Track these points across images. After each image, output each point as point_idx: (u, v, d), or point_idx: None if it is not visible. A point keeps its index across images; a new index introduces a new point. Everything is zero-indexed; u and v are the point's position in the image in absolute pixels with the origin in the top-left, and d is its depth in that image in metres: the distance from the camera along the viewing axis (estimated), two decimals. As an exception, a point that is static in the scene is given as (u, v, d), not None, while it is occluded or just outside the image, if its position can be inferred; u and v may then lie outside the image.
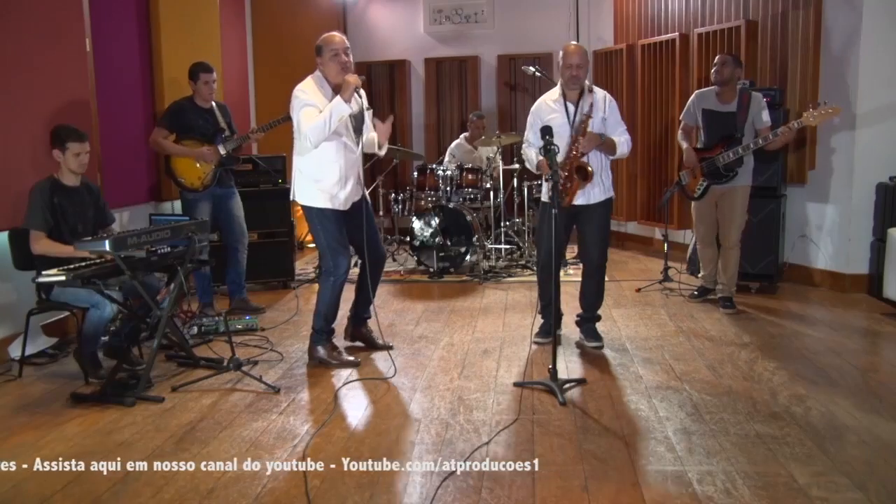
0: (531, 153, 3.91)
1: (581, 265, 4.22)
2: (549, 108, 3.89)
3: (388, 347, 4.01)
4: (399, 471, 2.60)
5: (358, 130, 3.70)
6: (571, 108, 3.84)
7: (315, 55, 3.68)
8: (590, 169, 3.69)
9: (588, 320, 4.11)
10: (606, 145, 3.80)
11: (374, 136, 3.86)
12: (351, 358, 3.83)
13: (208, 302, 4.83)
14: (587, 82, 3.87)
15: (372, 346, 4.06)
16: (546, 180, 3.83)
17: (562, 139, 3.77)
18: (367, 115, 3.76)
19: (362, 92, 3.73)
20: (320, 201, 3.69)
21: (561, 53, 3.85)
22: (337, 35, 3.67)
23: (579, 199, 3.84)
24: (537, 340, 4.06)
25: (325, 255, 3.76)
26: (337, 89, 3.58)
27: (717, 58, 4.65)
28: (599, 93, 3.89)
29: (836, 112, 4.26)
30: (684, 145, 4.81)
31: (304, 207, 3.77)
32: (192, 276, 4.65)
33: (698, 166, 4.64)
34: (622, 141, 3.85)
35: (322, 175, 3.67)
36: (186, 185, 4.72)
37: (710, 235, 4.85)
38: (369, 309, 4.05)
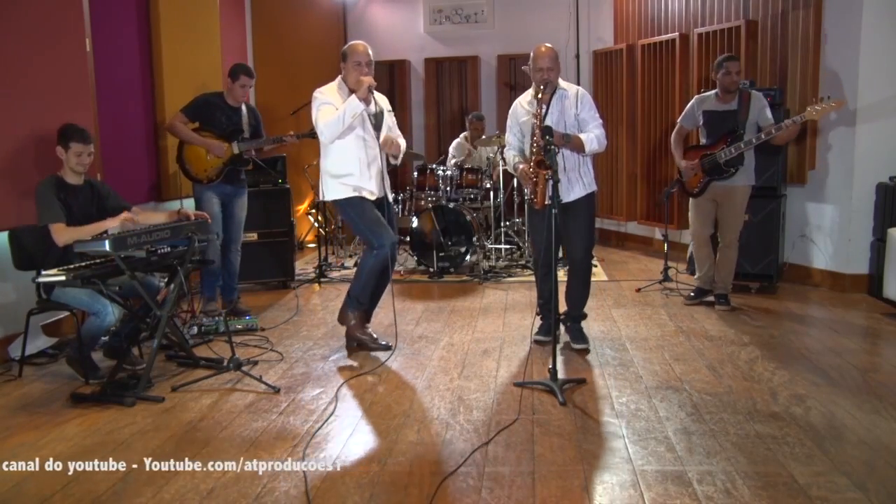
0: (509, 155, 3.95)
1: (567, 264, 4.15)
2: (523, 110, 3.89)
3: (387, 348, 4.02)
4: (399, 471, 2.60)
5: (377, 128, 3.85)
6: (544, 108, 3.76)
7: (340, 60, 3.88)
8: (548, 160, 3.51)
9: (574, 319, 4.05)
10: (573, 144, 3.73)
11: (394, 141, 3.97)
12: (373, 339, 3.96)
13: (211, 296, 4.83)
14: (561, 81, 3.85)
15: (373, 345, 4.05)
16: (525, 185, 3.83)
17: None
18: (389, 116, 3.96)
19: (385, 100, 3.96)
20: (347, 193, 3.85)
21: (531, 55, 3.80)
22: (362, 46, 3.85)
23: (563, 198, 3.71)
24: (538, 339, 4.04)
25: (367, 236, 3.90)
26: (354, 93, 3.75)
27: (729, 64, 4.53)
28: (572, 89, 3.86)
29: (839, 105, 4.29)
30: (677, 156, 4.84)
31: (335, 204, 3.95)
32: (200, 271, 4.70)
33: (698, 164, 4.66)
34: (591, 137, 3.75)
35: (345, 169, 3.83)
36: (192, 174, 4.73)
37: (707, 234, 4.84)
38: (372, 312, 4.15)
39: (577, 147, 3.76)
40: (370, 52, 3.87)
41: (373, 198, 3.89)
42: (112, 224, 3.52)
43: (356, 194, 3.84)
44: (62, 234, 3.49)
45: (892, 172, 4.88)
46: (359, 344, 4.02)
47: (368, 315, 4.16)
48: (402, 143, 4.03)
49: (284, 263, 5.74)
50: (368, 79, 3.72)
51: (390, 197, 4.03)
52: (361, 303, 3.98)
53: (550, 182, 3.33)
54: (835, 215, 5.23)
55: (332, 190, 3.89)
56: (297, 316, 4.80)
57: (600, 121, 3.86)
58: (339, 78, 3.91)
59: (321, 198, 4.01)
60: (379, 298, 4.16)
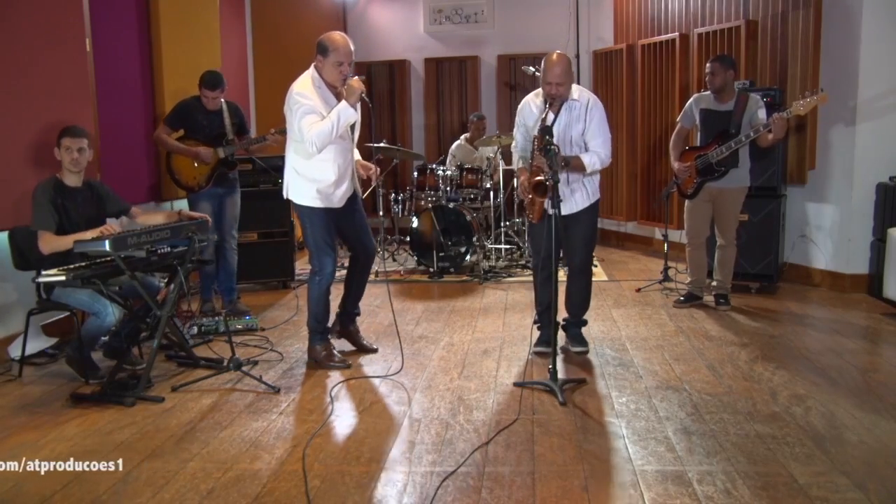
0: (516, 156, 3.89)
1: (567, 268, 4.06)
2: (530, 111, 3.78)
3: (372, 350, 3.98)
4: (399, 471, 2.60)
5: (352, 128, 3.71)
6: (552, 116, 3.60)
7: (316, 51, 3.58)
8: (548, 183, 3.33)
9: (575, 325, 3.99)
10: (573, 167, 3.62)
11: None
12: (342, 360, 3.81)
13: (207, 298, 4.84)
14: (574, 88, 3.71)
15: (358, 347, 4.00)
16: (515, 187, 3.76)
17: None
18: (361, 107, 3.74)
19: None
20: (313, 200, 3.67)
21: (542, 64, 3.61)
22: (344, 42, 3.54)
23: (565, 209, 3.63)
24: (538, 350, 3.90)
25: (313, 254, 3.78)
26: (334, 90, 3.59)
27: (707, 66, 4.62)
28: (583, 99, 3.69)
29: (823, 99, 4.23)
30: (673, 158, 4.82)
31: (295, 205, 3.76)
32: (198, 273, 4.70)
33: (693, 165, 4.66)
34: (593, 159, 3.62)
35: (321, 175, 3.65)
36: (182, 183, 4.75)
37: (702, 237, 4.81)
38: (358, 305, 4.04)
39: (578, 169, 3.64)
40: (352, 47, 3.57)
41: (339, 206, 3.73)
42: (90, 236, 3.41)
43: (321, 205, 3.66)
44: (47, 242, 3.49)
45: (892, 172, 4.88)
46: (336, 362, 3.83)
47: (352, 319, 4.03)
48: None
49: (284, 263, 5.74)
50: (359, 83, 3.52)
51: (359, 191, 3.86)
52: (317, 332, 3.84)
53: (550, 182, 3.29)
54: (835, 215, 5.23)
55: (300, 191, 3.67)
56: (297, 316, 4.80)
57: (608, 136, 3.70)
58: (312, 70, 3.60)
59: (285, 195, 3.77)
60: (359, 299, 4.03)
